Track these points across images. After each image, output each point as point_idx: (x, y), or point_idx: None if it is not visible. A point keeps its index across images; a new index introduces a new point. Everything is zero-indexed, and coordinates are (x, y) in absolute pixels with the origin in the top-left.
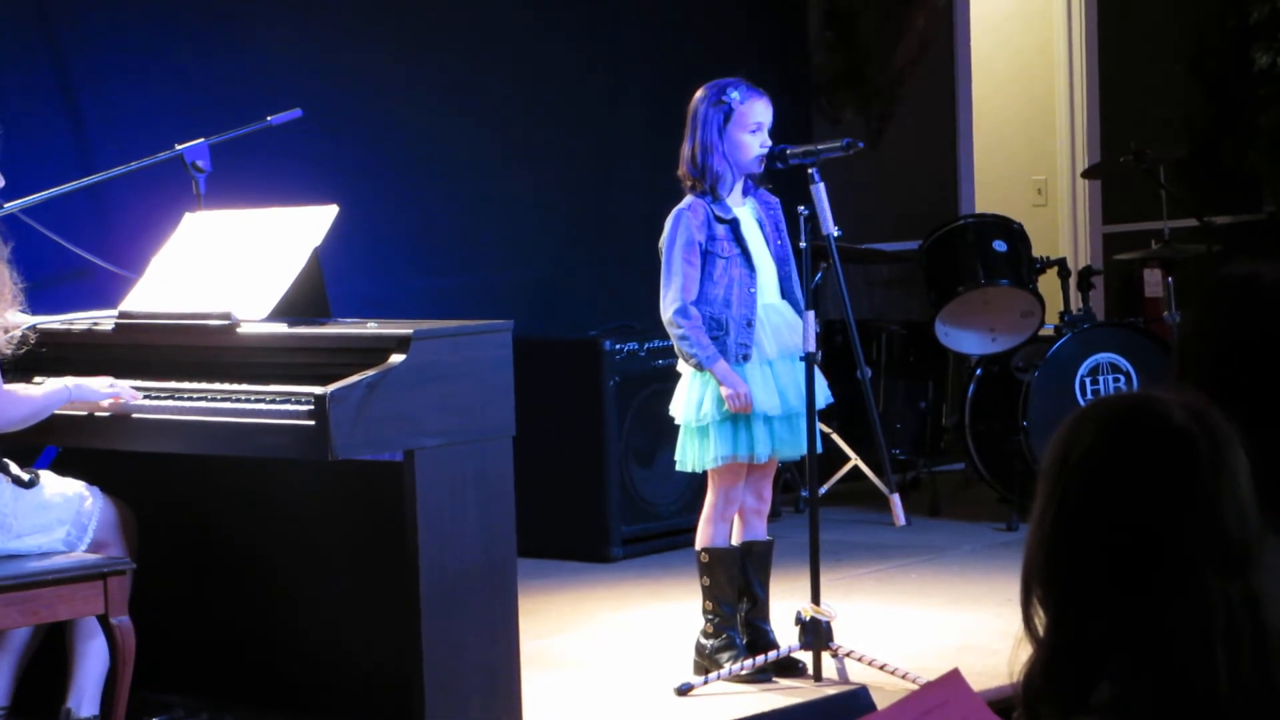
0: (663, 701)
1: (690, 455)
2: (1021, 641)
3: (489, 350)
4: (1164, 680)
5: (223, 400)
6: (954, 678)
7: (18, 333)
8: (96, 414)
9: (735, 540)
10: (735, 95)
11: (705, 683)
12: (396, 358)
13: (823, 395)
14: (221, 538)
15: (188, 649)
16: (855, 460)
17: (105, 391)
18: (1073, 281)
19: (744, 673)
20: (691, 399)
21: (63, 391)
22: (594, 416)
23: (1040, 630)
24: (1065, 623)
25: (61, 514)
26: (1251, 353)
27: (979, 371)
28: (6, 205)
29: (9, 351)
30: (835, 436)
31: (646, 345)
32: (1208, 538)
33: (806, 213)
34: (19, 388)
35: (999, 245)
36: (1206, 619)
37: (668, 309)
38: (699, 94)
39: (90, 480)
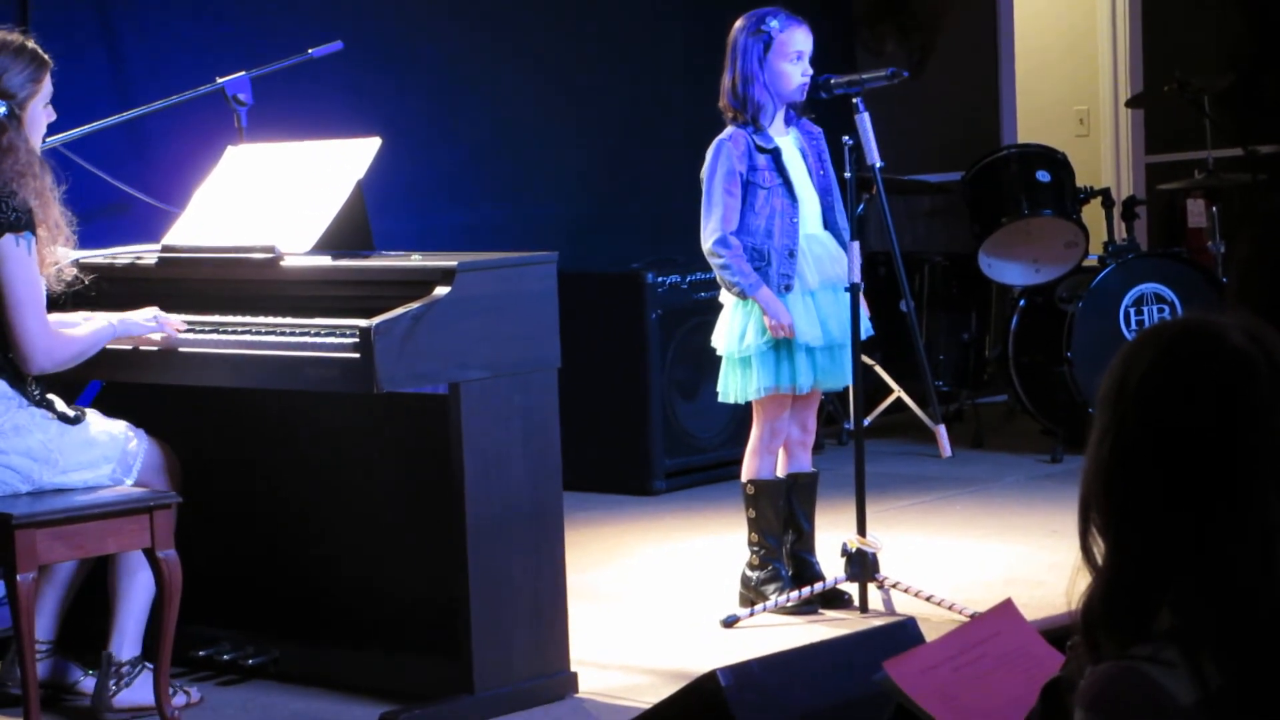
0: (709, 633)
1: (732, 386)
2: (1080, 570)
3: (533, 282)
4: (1225, 606)
5: (267, 334)
6: (1007, 608)
7: (69, 272)
8: (141, 348)
9: (780, 472)
10: (774, 24)
11: (751, 615)
12: (441, 290)
13: (864, 327)
14: (265, 473)
15: (233, 586)
16: (899, 392)
17: (150, 325)
18: (1116, 212)
19: (790, 605)
20: (734, 330)
21: (107, 329)
22: (636, 350)
23: (1098, 559)
24: (1124, 550)
25: (107, 451)
26: None
27: (1022, 303)
28: (48, 140)
29: (59, 289)
30: (878, 369)
31: (689, 278)
32: (1268, 460)
33: (851, 143)
34: (65, 318)
35: (1043, 175)
36: (1268, 543)
37: (708, 239)
38: (738, 24)
39: (133, 420)
